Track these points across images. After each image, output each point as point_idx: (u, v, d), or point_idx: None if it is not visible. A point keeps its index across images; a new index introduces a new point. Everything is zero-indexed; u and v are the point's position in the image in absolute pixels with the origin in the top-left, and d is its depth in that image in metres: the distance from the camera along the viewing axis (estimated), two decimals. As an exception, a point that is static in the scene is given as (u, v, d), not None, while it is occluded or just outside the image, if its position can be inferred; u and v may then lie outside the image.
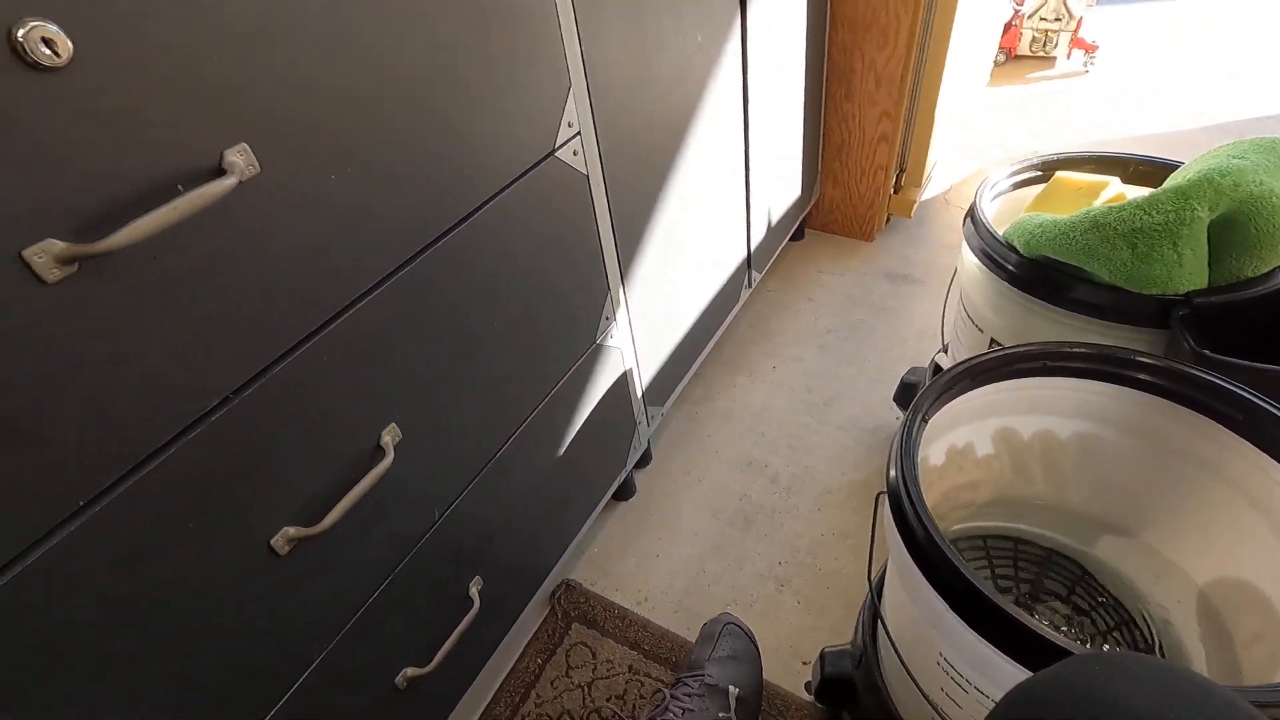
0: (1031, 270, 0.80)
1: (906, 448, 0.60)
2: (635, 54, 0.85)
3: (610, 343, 0.98)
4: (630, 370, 1.07)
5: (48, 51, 0.36)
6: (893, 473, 0.60)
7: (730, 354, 1.52)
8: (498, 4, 0.63)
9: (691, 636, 1.04)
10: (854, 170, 1.68)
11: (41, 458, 0.41)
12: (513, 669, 1.04)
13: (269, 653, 0.60)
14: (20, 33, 0.35)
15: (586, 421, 0.99)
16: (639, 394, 1.12)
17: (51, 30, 0.36)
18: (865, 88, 1.53)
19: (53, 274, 0.39)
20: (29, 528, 0.42)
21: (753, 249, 1.42)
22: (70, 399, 0.42)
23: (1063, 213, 0.83)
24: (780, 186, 1.48)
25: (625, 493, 1.24)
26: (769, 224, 1.47)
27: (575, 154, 0.79)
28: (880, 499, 0.65)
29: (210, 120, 0.44)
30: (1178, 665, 0.37)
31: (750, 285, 1.47)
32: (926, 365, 1.24)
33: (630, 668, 1.02)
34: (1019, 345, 0.68)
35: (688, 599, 1.10)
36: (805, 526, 1.17)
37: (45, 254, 0.38)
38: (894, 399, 1.27)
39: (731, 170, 1.23)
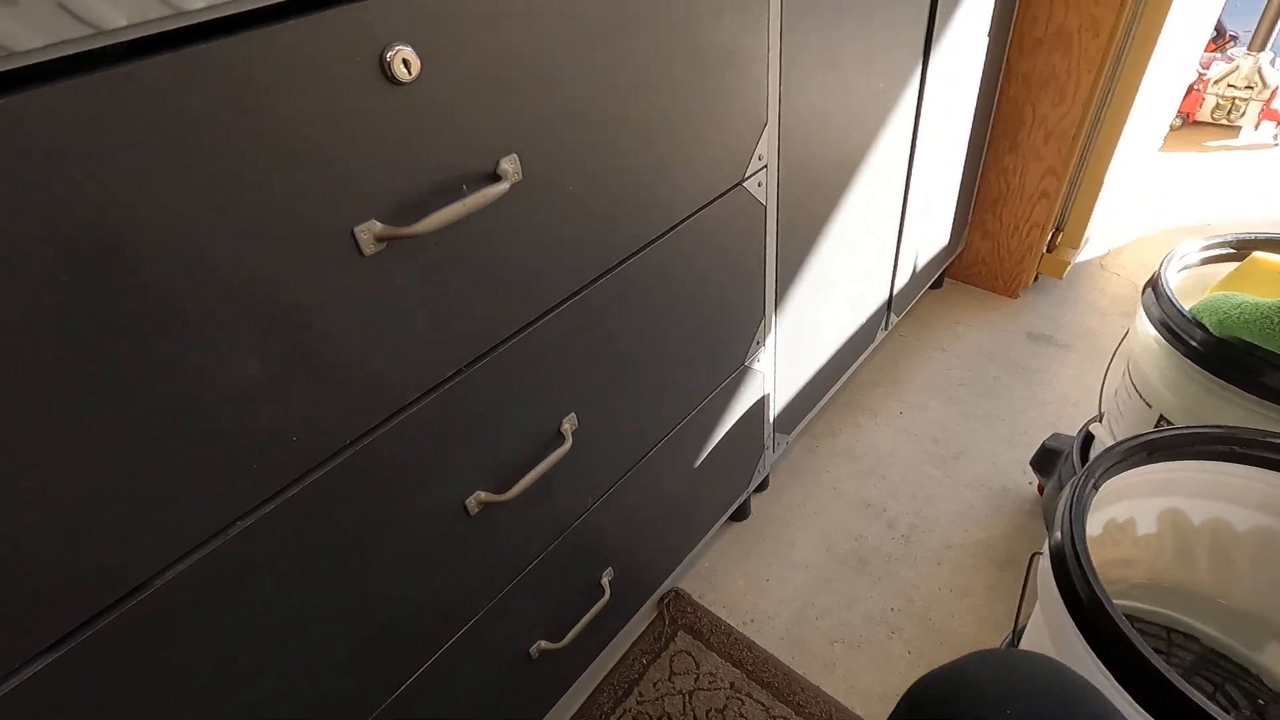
0: (1221, 350, 0.76)
1: (1076, 511, 0.60)
2: (823, 96, 0.89)
3: (756, 366, 1.02)
4: (768, 395, 1.10)
5: (404, 71, 0.44)
6: (1058, 535, 0.60)
7: (855, 393, 1.52)
8: (724, 45, 0.68)
9: (797, 665, 1.05)
10: (1007, 224, 1.64)
11: (330, 392, 0.49)
12: (617, 664, 1.08)
13: (438, 608, 0.67)
14: (389, 55, 0.43)
15: (723, 438, 1.02)
16: (771, 419, 1.15)
17: (409, 53, 0.44)
18: (1032, 142, 1.50)
19: (370, 249, 0.47)
20: (308, 458, 0.50)
21: (895, 292, 1.42)
22: (361, 351, 0.50)
23: (1258, 295, 0.79)
24: (930, 233, 1.47)
25: (740, 514, 1.26)
26: (914, 269, 1.46)
27: (759, 185, 0.84)
28: (1035, 559, 0.65)
29: (494, 133, 0.52)
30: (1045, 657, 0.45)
31: (886, 328, 1.47)
32: (1073, 433, 1.19)
33: (732, 685, 1.04)
34: (1205, 426, 0.66)
35: (795, 628, 1.10)
36: (922, 578, 1.15)
37: (368, 232, 0.46)
38: (1031, 463, 1.23)
39: (888, 212, 1.24)
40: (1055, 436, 1.20)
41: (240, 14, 0.37)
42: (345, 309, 0.48)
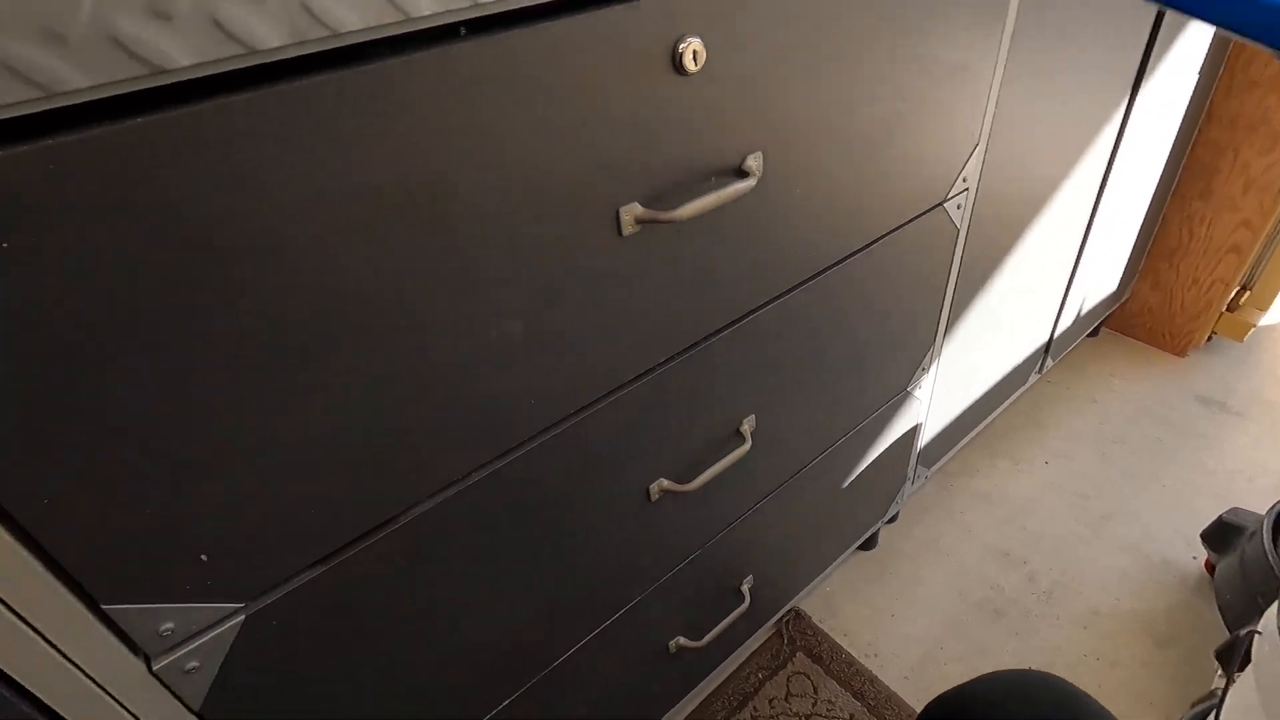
0: None
1: (1319, 592, 0.54)
2: (1031, 122, 0.86)
3: (917, 393, 0.98)
4: (920, 424, 1.06)
5: (692, 63, 0.46)
6: (1293, 615, 0.55)
7: (996, 435, 1.44)
8: (953, 60, 0.67)
9: (919, 706, 1.00)
10: (1184, 276, 1.52)
11: (567, 363, 0.51)
12: (732, 675, 1.07)
13: (605, 586, 0.68)
14: (681, 46, 0.45)
15: (872, 462, 1.00)
16: (918, 449, 1.11)
17: (699, 45, 0.46)
18: (1228, 190, 1.39)
19: (629, 229, 0.49)
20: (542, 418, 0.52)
21: (1056, 335, 1.34)
22: (599, 327, 0.52)
23: None
24: (1100, 277, 1.38)
25: (868, 542, 1.22)
26: (1079, 313, 1.38)
27: (958, 208, 0.81)
28: (1255, 639, 0.60)
29: (748, 129, 0.53)
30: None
31: (1040, 371, 1.39)
32: (1255, 508, 1.08)
33: (852, 717, 1.01)
34: None
35: (921, 669, 1.06)
36: (1065, 641, 1.08)
37: (630, 213, 0.48)
38: (1202, 536, 1.13)
39: (1066, 249, 1.17)
40: (1235, 511, 1.09)
41: (540, 6, 0.40)
42: (595, 286, 0.50)
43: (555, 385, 0.52)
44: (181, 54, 0.28)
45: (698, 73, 0.47)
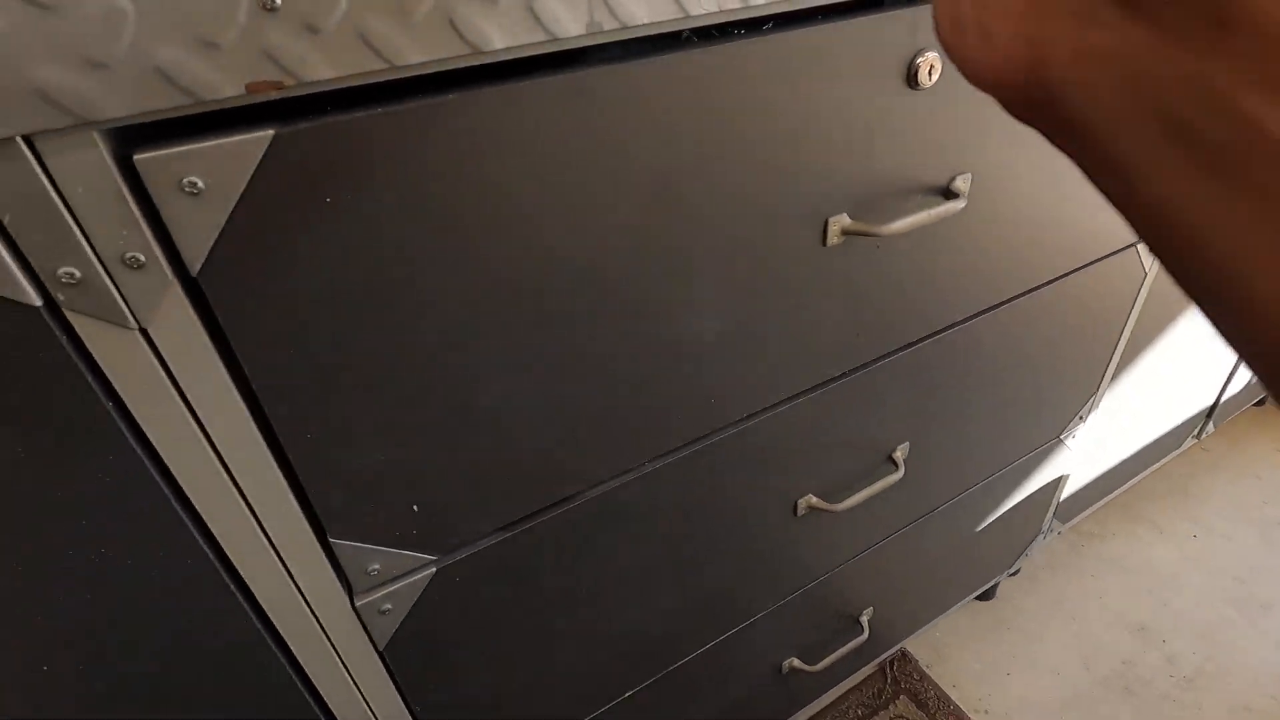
0: None
1: None
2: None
3: (1070, 443, 0.93)
4: (1065, 476, 0.99)
5: (927, 77, 0.45)
6: None
7: (1139, 498, 1.33)
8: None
9: (1034, 778, 0.94)
10: (1382, 351, 1.35)
11: (749, 365, 0.52)
12: (829, 707, 1.04)
13: (733, 595, 0.68)
14: (920, 59, 0.44)
15: (1010, 509, 0.95)
16: (1057, 502, 1.04)
17: (936, 59, 0.45)
18: None
19: (834, 240, 0.48)
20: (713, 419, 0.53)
21: (1221, 399, 1.23)
22: (787, 334, 0.52)
23: None
24: None
25: (987, 592, 1.16)
26: (1250, 380, 1.26)
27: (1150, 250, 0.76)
28: None
29: (960, 149, 0.51)
30: None
31: (1198, 437, 1.27)
32: None
33: (957, 772, 0.95)
34: None
35: (1037, 737, 0.99)
36: (1208, 733, 0.98)
37: (838, 224, 0.48)
38: (1386, 643, 1.00)
39: (1250, 308, 1.07)
40: None
41: (800, 10, 0.40)
42: (789, 292, 0.50)
43: (734, 387, 0.52)
44: (499, 37, 0.30)
45: (929, 88, 0.46)
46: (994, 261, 0.61)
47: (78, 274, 0.28)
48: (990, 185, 0.55)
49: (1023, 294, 0.67)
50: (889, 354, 0.60)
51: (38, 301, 0.27)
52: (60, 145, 0.25)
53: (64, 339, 0.28)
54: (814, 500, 0.65)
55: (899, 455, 0.69)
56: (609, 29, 0.33)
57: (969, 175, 0.53)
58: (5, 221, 0.26)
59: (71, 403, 0.30)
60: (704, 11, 0.35)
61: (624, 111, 0.36)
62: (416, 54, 0.29)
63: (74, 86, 0.24)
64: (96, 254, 0.28)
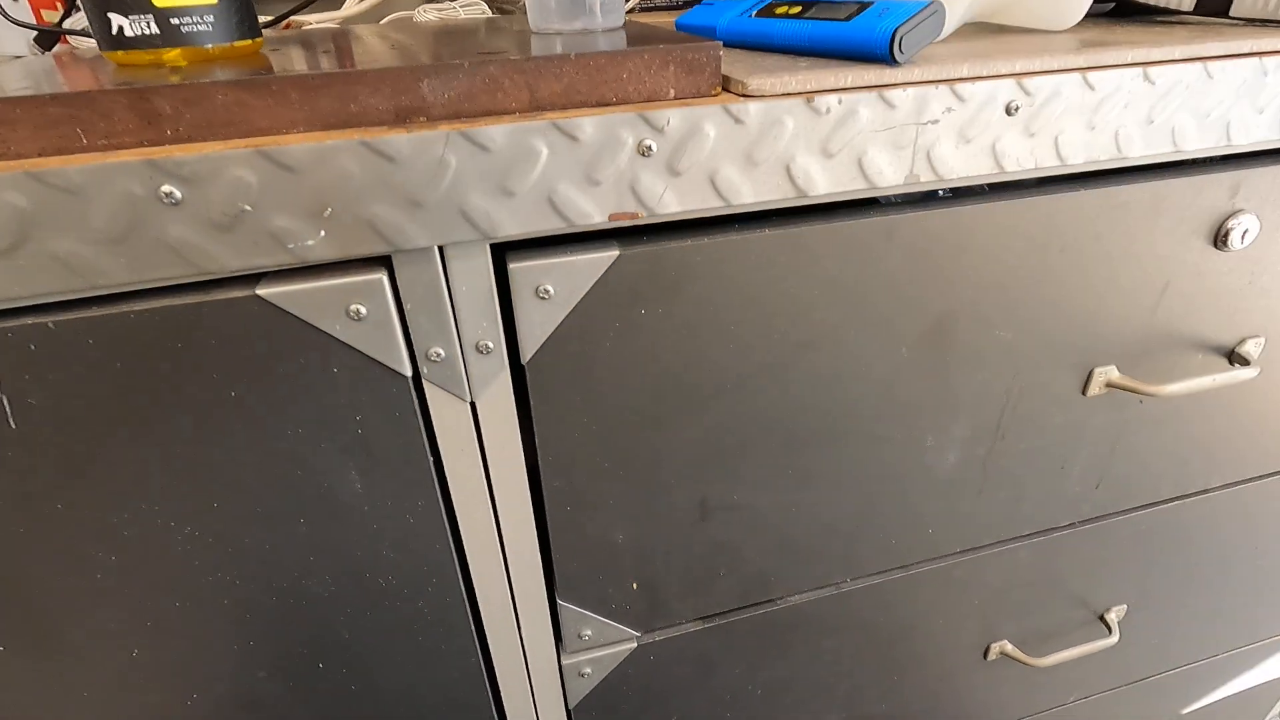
0: None
1: None
2: None
3: (1316, 637, 0.79)
4: (1301, 673, 0.85)
5: (1238, 240, 0.42)
6: None
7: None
8: None
9: None
10: None
11: (979, 503, 0.49)
12: None
13: (909, 722, 0.64)
14: (1232, 223, 0.41)
15: (1223, 698, 0.82)
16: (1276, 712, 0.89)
17: (1252, 223, 0.41)
18: None
19: (1095, 391, 0.46)
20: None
21: None
22: (1023, 478, 0.49)
23: None
24: None
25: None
26: None
27: None
28: None
29: (1250, 310, 0.47)
30: None
31: None
32: None
33: None
34: None
35: None
36: None
37: (1104, 376, 0.45)
38: None
39: None
40: None
41: (1113, 170, 0.39)
42: (1037, 435, 0.47)
43: (956, 520, 0.50)
44: (825, 183, 0.32)
45: (1238, 251, 0.42)
46: (1267, 429, 0.55)
47: (442, 353, 0.32)
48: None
49: (1272, 474, 0.59)
50: (1127, 511, 0.55)
51: (408, 372, 0.32)
52: (461, 253, 0.30)
53: (416, 403, 0.33)
54: (1009, 647, 0.60)
55: (1113, 618, 0.62)
56: (925, 180, 0.34)
57: (1262, 340, 0.48)
58: (408, 309, 0.31)
59: (407, 450, 0.34)
60: (1019, 169, 0.35)
61: (919, 253, 0.37)
62: (750, 195, 0.32)
63: (487, 210, 0.29)
64: (460, 339, 0.32)
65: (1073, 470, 0.50)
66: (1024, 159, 0.35)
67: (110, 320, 0.28)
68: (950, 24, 0.38)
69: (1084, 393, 0.46)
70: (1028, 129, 0.34)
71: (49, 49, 0.58)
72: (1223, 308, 0.46)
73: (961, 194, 0.37)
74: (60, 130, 0.26)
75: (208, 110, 0.26)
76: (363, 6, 0.71)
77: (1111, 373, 0.45)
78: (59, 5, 0.65)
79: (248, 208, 0.26)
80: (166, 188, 0.25)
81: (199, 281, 0.29)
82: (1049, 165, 0.35)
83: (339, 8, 0.66)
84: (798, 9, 0.36)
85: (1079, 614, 0.61)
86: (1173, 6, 0.42)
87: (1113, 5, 0.48)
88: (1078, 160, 0.36)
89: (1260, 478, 0.58)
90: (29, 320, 0.27)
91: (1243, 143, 0.38)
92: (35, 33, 0.57)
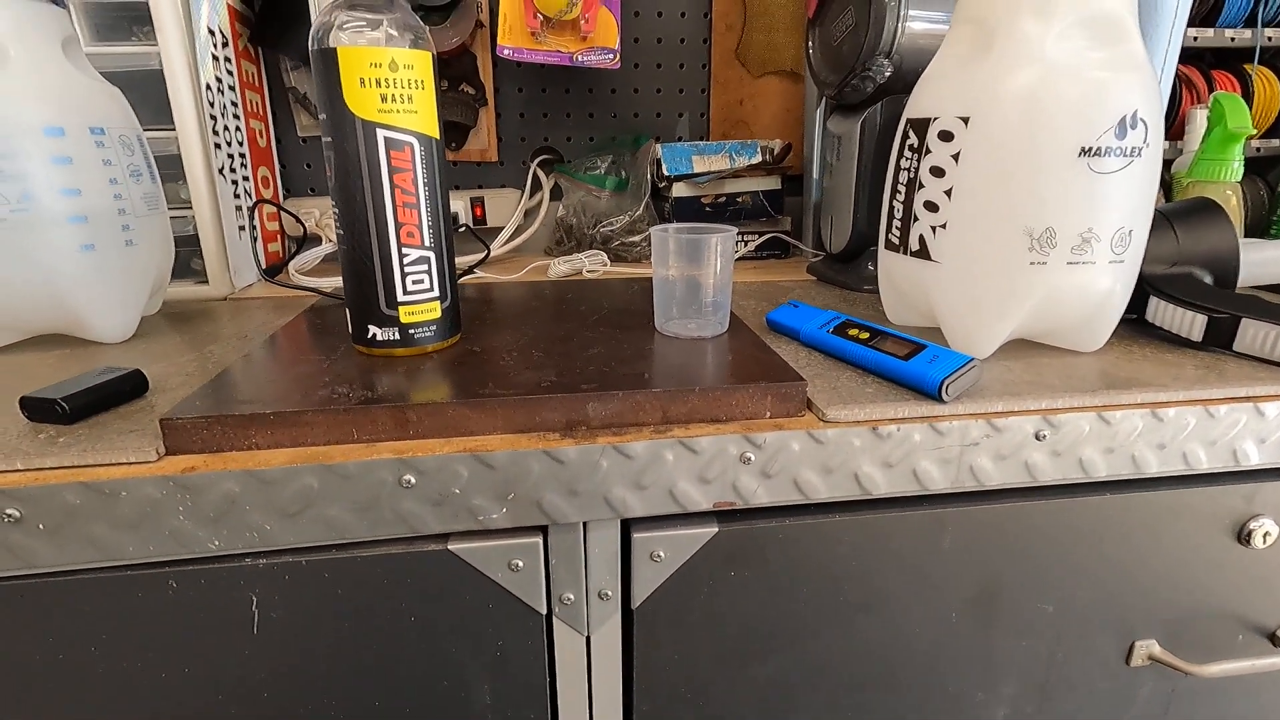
0: None
1: None
2: None
3: None
4: None
5: (1260, 541, 0.47)
6: None
7: None
8: None
9: None
10: None
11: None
12: None
13: None
14: (1253, 525, 0.47)
15: None
16: None
17: (1271, 528, 0.47)
18: None
19: (1137, 662, 0.50)
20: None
21: None
22: (1067, 736, 0.52)
23: None
24: None
25: None
26: None
27: None
28: None
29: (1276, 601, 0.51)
30: None
31: None
32: None
33: None
34: None
35: None
36: None
37: (1145, 650, 0.49)
38: None
39: None
40: None
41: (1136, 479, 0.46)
42: (1082, 696, 0.51)
43: (1008, 773, 0.53)
44: (885, 485, 0.41)
45: (1263, 549, 0.48)
46: (1328, 711, 0.56)
47: (572, 598, 0.41)
48: (1328, 638, 0.52)
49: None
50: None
51: (544, 611, 0.41)
52: (598, 526, 0.40)
53: (545, 635, 0.41)
54: None
55: None
56: (969, 485, 0.42)
57: (1302, 627, 0.51)
58: (552, 564, 0.40)
59: (531, 670, 0.42)
60: (1049, 480, 0.43)
61: (966, 538, 0.44)
62: (825, 493, 0.40)
63: (623, 498, 0.38)
64: (587, 588, 0.41)
65: (1123, 735, 0.53)
66: (1052, 473, 0.42)
67: (345, 561, 0.38)
68: (995, 343, 0.47)
69: (1128, 662, 0.50)
70: (1054, 450, 0.42)
71: (273, 278, 0.74)
72: (1258, 594, 0.50)
73: (1003, 493, 0.45)
74: (343, 430, 0.37)
75: (440, 419, 0.38)
76: (504, 250, 0.87)
77: (1153, 647, 0.50)
78: (279, 238, 0.83)
79: (457, 491, 0.37)
80: (407, 477, 0.36)
81: (407, 537, 0.39)
82: (1074, 477, 0.43)
83: (485, 255, 0.82)
84: (866, 335, 0.47)
85: None
86: (1183, 335, 0.50)
87: (1134, 317, 0.57)
88: (1100, 474, 0.43)
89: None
90: (288, 559, 0.38)
91: (1251, 464, 0.44)
92: (263, 265, 0.74)
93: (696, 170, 0.81)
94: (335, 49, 0.39)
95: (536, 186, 0.92)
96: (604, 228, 0.85)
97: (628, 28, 0.89)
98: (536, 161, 0.91)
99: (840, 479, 0.40)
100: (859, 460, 0.40)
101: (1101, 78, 0.41)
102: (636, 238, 0.85)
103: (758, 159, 0.82)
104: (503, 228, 0.90)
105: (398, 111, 0.40)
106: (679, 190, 0.83)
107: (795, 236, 0.89)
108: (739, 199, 0.84)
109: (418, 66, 0.41)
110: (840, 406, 0.40)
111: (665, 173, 0.81)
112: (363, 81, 0.39)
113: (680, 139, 0.96)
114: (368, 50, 0.39)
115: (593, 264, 0.78)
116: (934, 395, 0.41)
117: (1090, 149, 0.41)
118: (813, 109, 0.87)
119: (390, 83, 0.40)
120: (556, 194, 0.92)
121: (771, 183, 0.85)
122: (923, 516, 0.43)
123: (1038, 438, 0.42)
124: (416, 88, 0.41)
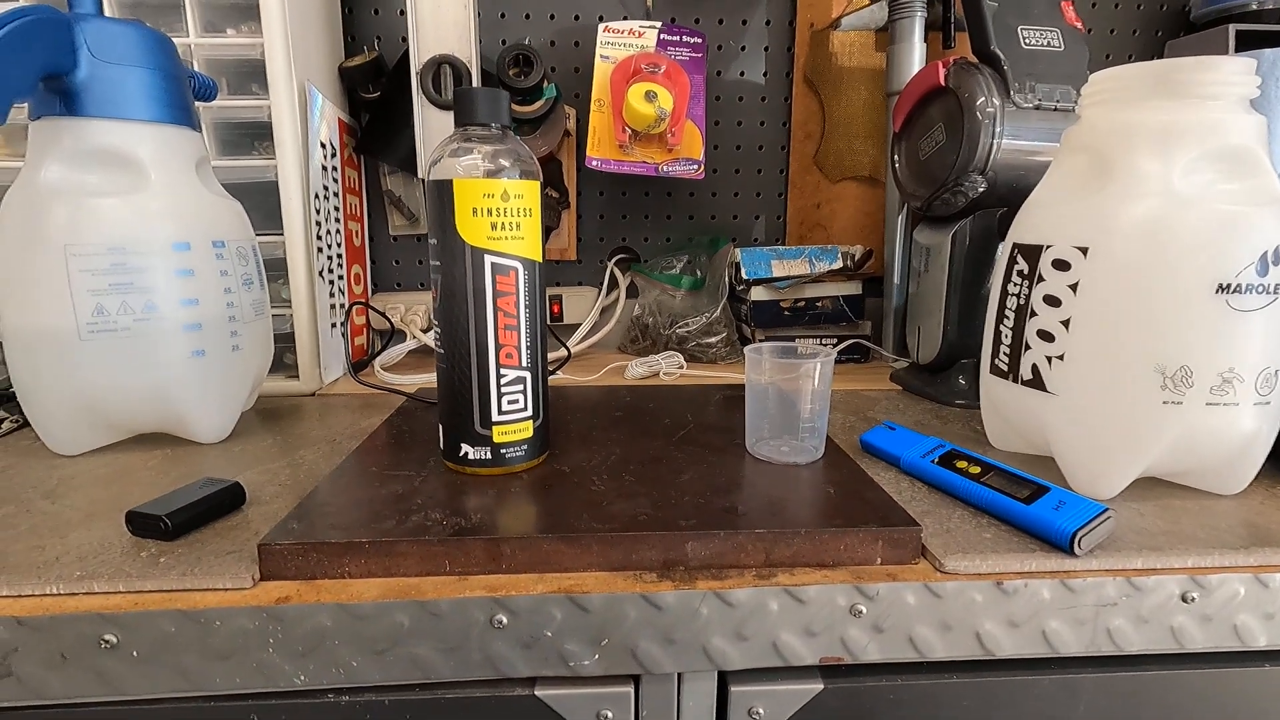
0: None
1: None
2: None
3: None
4: None
5: None
6: None
7: None
8: None
9: None
10: None
11: None
12: None
13: None
14: None
15: None
16: None
17: None
18: None
19: None
20: None
21: None
22: None
23: None
24: None
25: None
26: None
27: None
28: None
29: None
30: None
31: None
32: None
33: None
34: None
35: None
36: None
37: None
38: None
39: None
40: None
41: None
42: None
43: None
44: (1010, 646, 0.37)
45: None
46: None
47: (662, 754, 0.38)
48: None
49: None
50: None
51: (631, 766, 0.38)
52: (694, 677, 0.37)
53: (630, 793, 0.38)
54: None
55: None
56: (1105, 650, 0.37)
57: None
58: (643, 716, 0.37)
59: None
60: (1198, 647, 0.38)
61: (1099, 709, 0.39)
62: (942, 652, 0.37)
63: (723, 649, 0.35)
64: (679, 744, 0.38)
65: None
66: (1203, 640, 0.38)
67: (428, 702, 0.36)
68: (1122, 484, 0.43)
69: None
70: (1203, 614, 0.37)
71: (359, 373, 0.76)
72: None
73: (1145, 659, 0.40)
74: (436, 561, 0.36)
75: (534, 553, 0.36)
76: (581, 347, 0.88)
77: None
78: (364, 331, 0.86)
79: (549, 634, 0.35)
80: (500, 617, 0.34)
81: (493, 680, 0.37)
82: (1229, 646, 0.38)
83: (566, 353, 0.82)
84: (977, 469, 0.44)
85: None
86: (1334, 474, 0.45)
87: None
88: (1259, 643, 0.38)
89: None
90: (371, 697, 0.36)
91: None
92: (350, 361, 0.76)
93: (775, 274, 0.81)
94: (450, 181, 0.40)
95: (613, 285, 0.94)
96: (679, 328, 0.85)
97: (709, 136, 0.92)
98: (614, 261, 0.93)
99: (959, 637, 0.37)
100: (981, 617, 0.36)
101: (1235, 211, 0.39)
102: (713, 339, 0.84)
103: (838, 264, 0.81)
104: (580, 324, 0.91)
105: (506, 238, 0.41)
106: (757, 294, 0.83)
107: (875, 340, 0.87)
108: (819, 303, 0.83)
109: (527, 195, 0.42)
110: (959, 556, 0.37)
111: (744, 276, 0.81)
112: (475, 211, 0.40)
113: (756, 241, 0.97)
114: (482, 182, 0.40)
115: (669, 366, 0.77)
116: (1064, 548, 0.37)
117: (1229, 285, 0.38)
118: (894, 215, 0.86)
119: (501, 211, 0.41)
120: (632, 292, 0.93)
121: (852, 288, 0.84)
122: (1052, 682, 0.39)
123: (1185, 600, 0.37)
124: (525, 215, 0.42)
